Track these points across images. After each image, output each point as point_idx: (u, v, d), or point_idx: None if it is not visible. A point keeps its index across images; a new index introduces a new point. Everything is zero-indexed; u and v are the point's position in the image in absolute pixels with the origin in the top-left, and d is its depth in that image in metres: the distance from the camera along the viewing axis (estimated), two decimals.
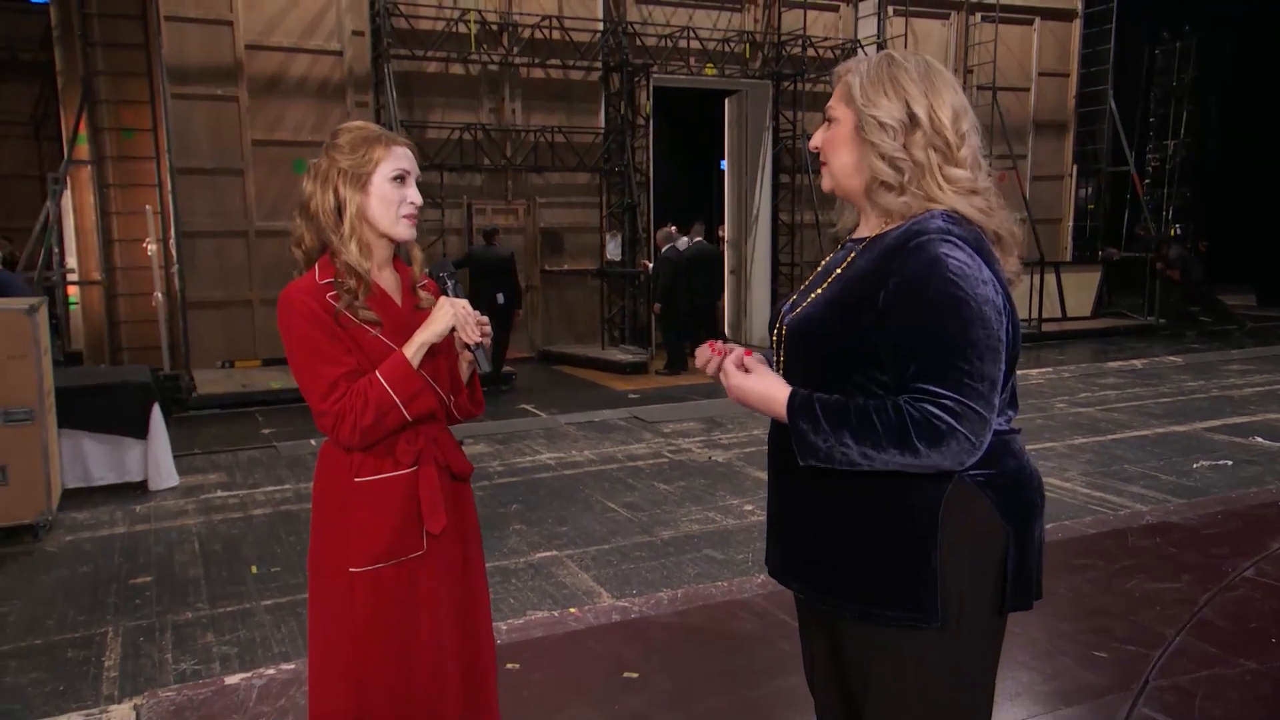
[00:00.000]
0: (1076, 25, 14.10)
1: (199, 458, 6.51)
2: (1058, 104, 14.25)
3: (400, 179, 1.88)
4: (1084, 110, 14.18)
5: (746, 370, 1.57)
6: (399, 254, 1.99)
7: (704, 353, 1.62)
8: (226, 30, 9.70)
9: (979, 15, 13.28)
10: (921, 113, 1.49)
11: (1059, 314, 12.95)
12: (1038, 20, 13.86)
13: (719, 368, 1.59)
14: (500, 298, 8.87)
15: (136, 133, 9.63)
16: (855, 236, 1.61)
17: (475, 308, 1.88)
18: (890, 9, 12.36)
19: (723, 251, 12.09)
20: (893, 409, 1.42)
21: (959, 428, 1.38)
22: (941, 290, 1.40)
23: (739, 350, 1.60)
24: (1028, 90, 13.91)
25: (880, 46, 12.02)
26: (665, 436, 6.97)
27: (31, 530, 4.79)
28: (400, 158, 1.88)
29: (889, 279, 1.45)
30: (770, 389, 1.52)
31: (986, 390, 1.40)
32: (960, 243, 1.44)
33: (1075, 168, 14.35)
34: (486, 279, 8.90)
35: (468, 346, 1.93)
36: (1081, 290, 13.40)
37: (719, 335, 9.98)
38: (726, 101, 12.77)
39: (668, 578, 4.19)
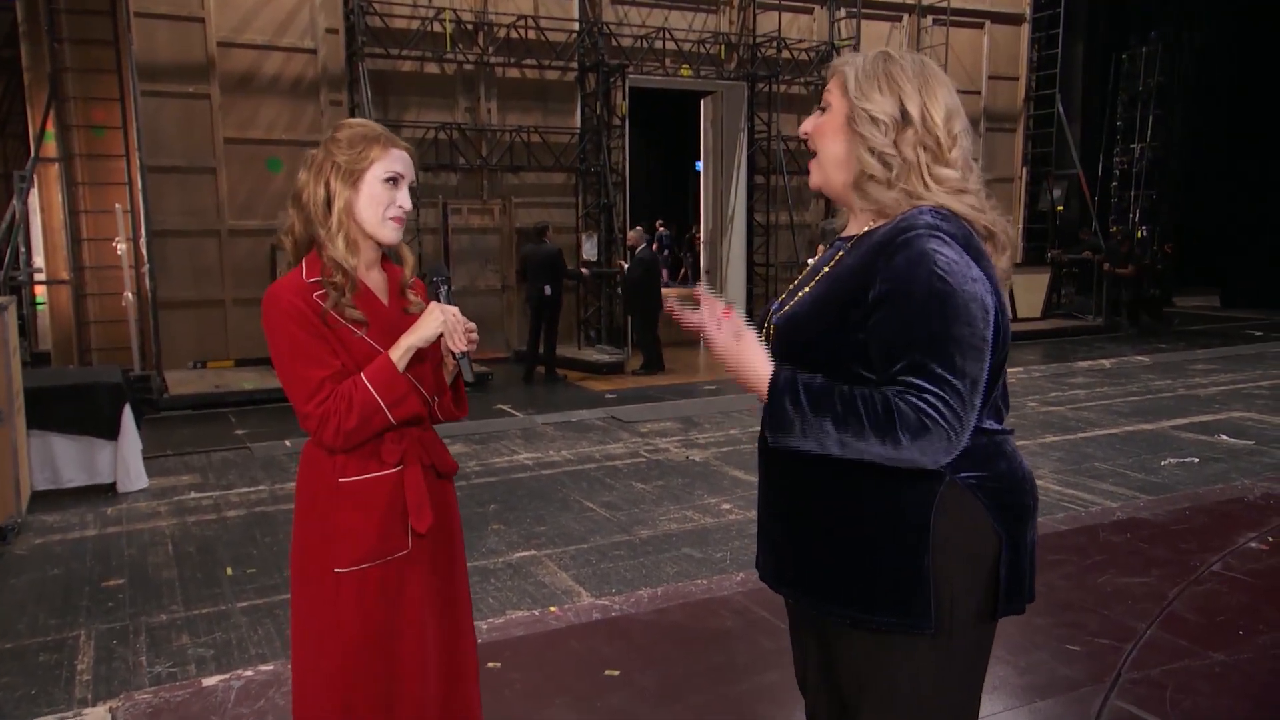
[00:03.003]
0: (1025, 29, 14.29)
1: (171, 459, 6.43)
2: (1008, 107, 14.44)
3: (393, 181, 1.86)
4: (1037, 114, 14.38)
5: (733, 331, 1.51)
6: (388, 254, 1.98)
7: (687, 313, 1.56)
8: (198, 27, 9.58)
9: (930, 18, 13.42)
10: (915, 111, 1.48)
11: (1010, 315, 13.13)
12: (987, 24, 14.03)
13: (702, 324, 1.52)
14: (547, 290, 9.31)
15: (106, 130, 9.48)
16: (844, 235, 1.60)
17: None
18: (842, 10, 12.45)
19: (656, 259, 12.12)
20: (879, 398, 1.39)
21: (941, 424, 1.36)
22: (928, 286, 1.39)
23: (718, 305, 1.54)
24: (978, 93, 14.07)
25: (855, 49, 12.12)
26: (642, 436, 6.98)
27: (0, 533, 4.71)
28: (396, 160, 1.87)
29: (877, 275, 1.43)
30: (755, 362, 1.49)
31: (967, 390, 1.38)
32: (949, 239, 1.43)
33: (1025, 170, 14.55)
34: (537, 274, 9.38)
35: (453, 355, 1.92)
36: (1032, 292, 13.61)
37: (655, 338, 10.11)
38: (702, 102, 12.82)
39: (647, 576, 4.20)
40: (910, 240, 1.42)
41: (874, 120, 1.49)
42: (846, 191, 1.56)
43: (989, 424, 1.51)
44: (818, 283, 1.56)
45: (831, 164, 1.56)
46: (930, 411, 1.37)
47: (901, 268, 1.41)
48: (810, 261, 1.65)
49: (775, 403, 1.46)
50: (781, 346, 1.56)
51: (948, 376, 1.37)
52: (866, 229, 1.54)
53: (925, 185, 1.48)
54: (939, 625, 1.46)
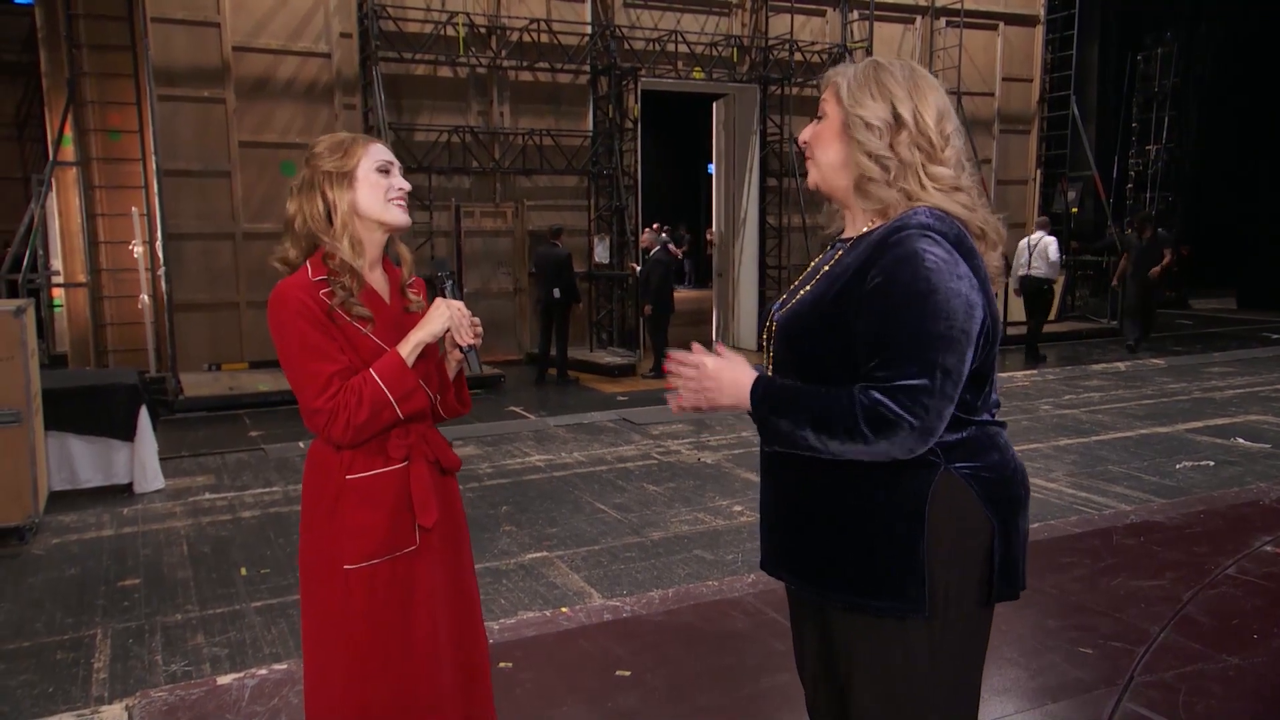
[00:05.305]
0: (1039, 31, 14.20)
1: (186, 460, 6.48)
2: (1022, 108, 14.36)
3: (384, 170, 1.92)
4: (1052, 115, 14.29)
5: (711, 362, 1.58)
6: (388, 254, 2.01)
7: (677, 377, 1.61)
8: (213, 31, 9.66)
9: (943, 20, 13.36)
10: (907, 114, 1.54)
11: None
12: (1001, 25, 13.93)
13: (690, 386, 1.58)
14: (556, 293, 9.41)
15: (123, 134, 9.58)
16: (843, 237, 1.66)
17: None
18: (855, 13, 12.42)
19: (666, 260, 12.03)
20: (845, 396, 1.46)
21: (905, 416, 1.42)
22: (912, 283, 1.44)
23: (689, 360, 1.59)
24: (992, 95, 13.99)
25: (869, 52, 12.10)
26: (654, 438, 6.99)
27: (18, 533, 4.76)
28: (380, 151, 1.94)
29: (870, 273, 1.49)
30: (738, 375, 1.56)
31: (939, 382, 1.42)
32: (940, 238, 1.48)
33: (1040, 172, 14.47)
34: (545, 276, 9.44)
35: (459, 348, 1.94)
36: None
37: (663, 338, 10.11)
38: (714, 105, 12.82)
39: (658, 578, 4.21)
40: (903, 239, 1.48)
41: (869, 126, 1.55)
42: (847, 194, 1.62)
43: (983, 417, 1.57)
44: (817, 282, 1.61)
45: (829, 168, 1.63)
46: (893, 405, 1.42)
47: (890, 265, 1.47)
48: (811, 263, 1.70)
49: (756, 410, 1.54)
50: (783, 344, 1.63)
51: (919, 371, 1.43)
52: (865, 230, 1.59)
53: (921, 185, 1.54)
54: (934, 610, 1.51)
